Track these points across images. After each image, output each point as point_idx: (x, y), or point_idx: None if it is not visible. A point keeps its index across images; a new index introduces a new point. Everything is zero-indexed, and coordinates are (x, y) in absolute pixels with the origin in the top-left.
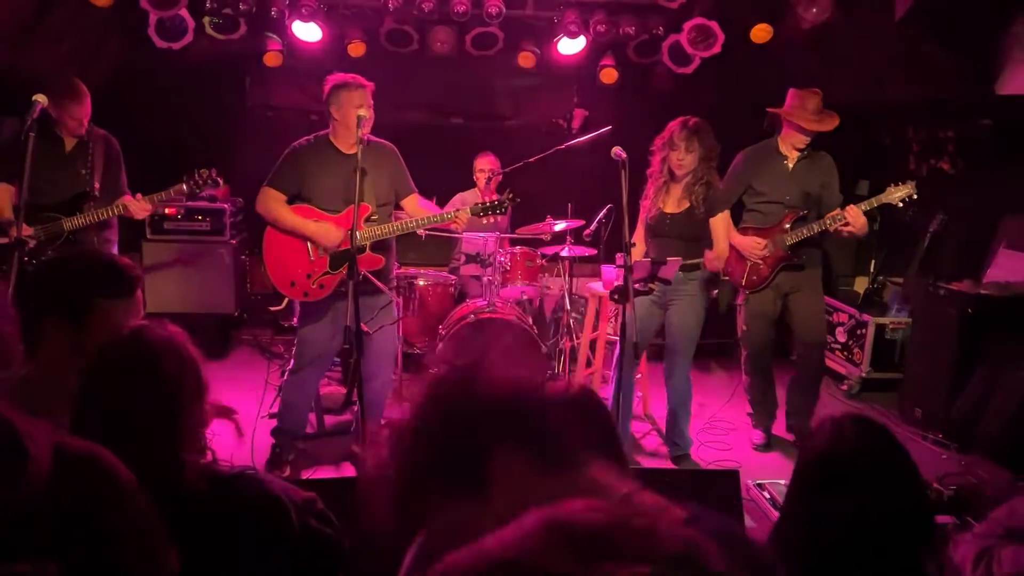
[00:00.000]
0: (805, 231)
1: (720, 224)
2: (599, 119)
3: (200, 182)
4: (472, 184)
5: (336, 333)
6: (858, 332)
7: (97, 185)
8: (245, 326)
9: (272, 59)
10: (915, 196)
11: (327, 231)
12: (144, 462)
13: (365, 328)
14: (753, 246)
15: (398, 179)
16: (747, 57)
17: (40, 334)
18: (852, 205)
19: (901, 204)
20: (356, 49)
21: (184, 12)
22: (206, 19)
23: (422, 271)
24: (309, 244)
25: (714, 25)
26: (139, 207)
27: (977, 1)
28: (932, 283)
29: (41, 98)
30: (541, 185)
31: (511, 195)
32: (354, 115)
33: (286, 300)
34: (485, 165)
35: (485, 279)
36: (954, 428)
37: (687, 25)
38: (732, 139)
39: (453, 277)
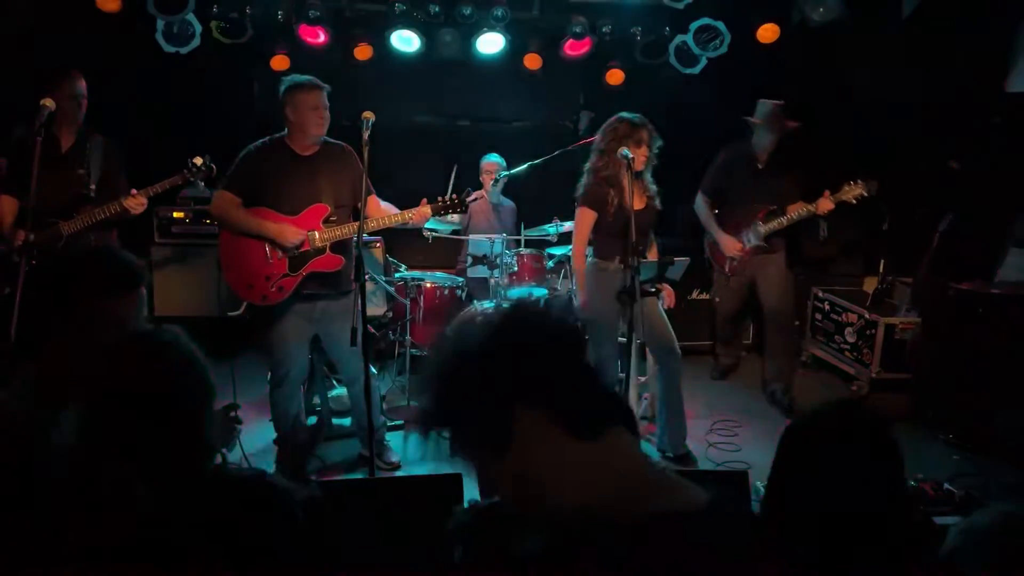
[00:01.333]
0: (776, 224)
1: (704, 210)
2: (606, 120)
3: (194, 170)
4: (479, 186)
5: (304, 336)
6: (868, 332)
7: (94, 186)
8: (252, 330)
9: (280, 63)
10: (866, 195)
11: (285, 231)
12: (154, 467)
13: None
14: (733, 246)
15: (359, 182)
16: (754, 57)
17: (50, 331)
18: (824, 197)
19: (855, 202)
20: (363, 52)
21: (191, 17)
22: (213, 23)
23: (429, 273)
24: (267, 246)
25: (721, 25)
26: (135, 202)
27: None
28: (942, 283)
29: (49, 103)
30: (548, 186)
31: (469, 192)
32: (309, 116)
33: (244, 304)
34: (491, 167)
35: (492, 281)
36: (999, 445)
37: (693, 26)
38: (737, 137)
39: (460, 279)
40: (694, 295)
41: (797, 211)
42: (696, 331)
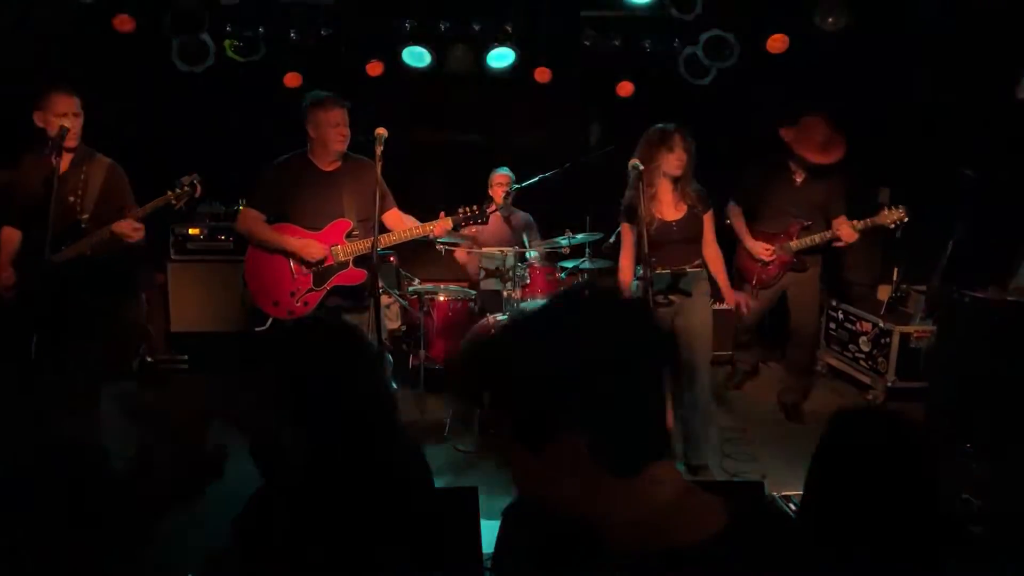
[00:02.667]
0: (808, 241)
1: (735, 218)
2: (616, 132)
3: (178, 192)
4: (489, 199)
5: None
6: (882, 341)
7: (86, 216)
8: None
9: (292, 80)
10: (906, 220)
11: (309, 245)
12: None
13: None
14: (762, 251)
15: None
16: (763, 67)
17: None
18: (846, 223)
19: (893, 226)
20: (375, 68)
21: (206, 36)
22: (227, 42)
23: (442, 286)
24: (291, 262)
25: (730, 37)
26: (126, 227)
27: (996, 7)
28: (957, 291)
29: (66, 121)
30: (559, 199)
31: (491, 204)
32: (331, 133)
33: (270, 320)
34: (502, 179)
35: (505, 293)
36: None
37: (703, 37)
38: (750, 149)
39: (473, 291)
40: (716, 305)
41: (823, 236)
42: (717, 341)
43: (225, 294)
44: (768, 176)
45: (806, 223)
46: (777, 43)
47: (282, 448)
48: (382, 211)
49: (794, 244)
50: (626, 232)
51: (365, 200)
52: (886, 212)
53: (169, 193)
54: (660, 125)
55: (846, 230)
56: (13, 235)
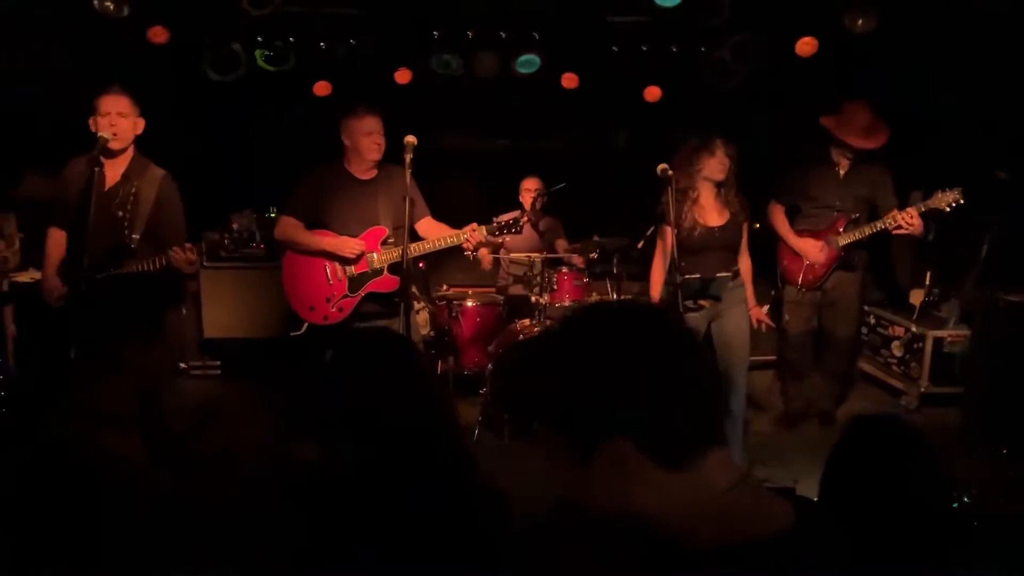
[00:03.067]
0: (857, 233)
1: (778, 219)
2: (644, 137)
3: (233, 236)
4: (518, 205)
5: None
6: (915, 346)
7: (137, 236)
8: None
9: (322, 88)
10: (962, 201)
11: (345, 243)
12: None
13: None
14: (810, 248)
15: (413, 203)
16: (792, 70)
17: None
18: (910, 207)
19: (948, 209)
20: (403, 76)
21: (237, 46)
22: (258, 52)
23: (471, 292)
24: (327, 267)
25: (758, 40)
26: (183, 259)
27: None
28: (991, 294)
29: (106, 133)
30: (587, 204)
31: (525, 214)
32: (363, 142)
33: (305, 325)
34: (531, 186)
35: (533, 299)
36: None
37: (731, 41)
38: (775, 152)
39: (501, 297)
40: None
41: (872, 226)
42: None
43: (257, 300)
44: (810, 169)
45: (853, 215)
46: (806, 46)
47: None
48: (415, 219)
49: (841, 238)
50: (667, 235)
51: (400, 207)
52: (940, 194)
53: (224, 234)
54: (700, 135)
55: (911, 214)
56: (60, 238)
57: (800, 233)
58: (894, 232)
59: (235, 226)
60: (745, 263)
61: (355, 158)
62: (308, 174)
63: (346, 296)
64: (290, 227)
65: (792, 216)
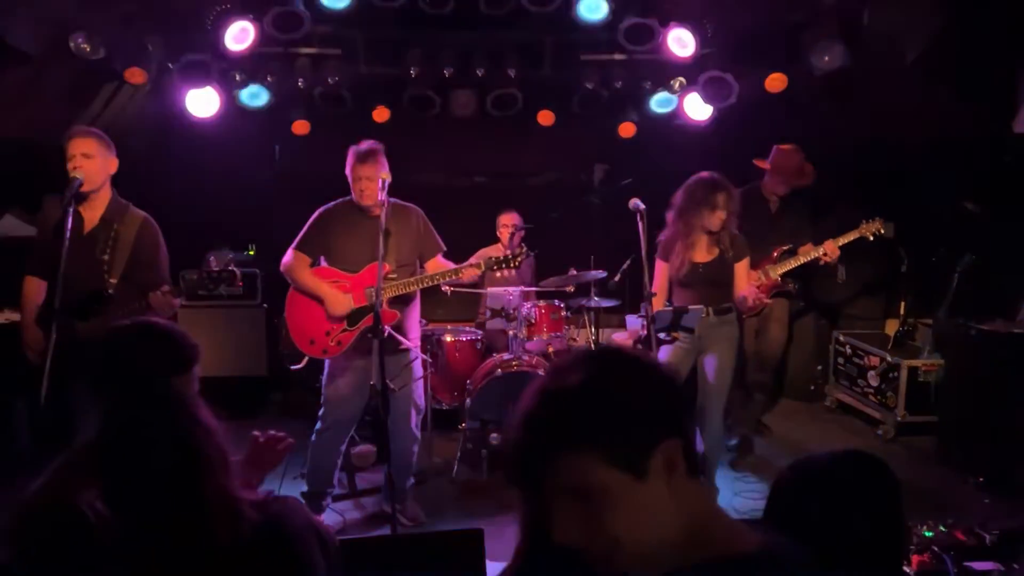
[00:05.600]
0: (792, 262)
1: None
2: (620, 173)
3: (207, 276)
4: (496, 240)
5: (360, 392)
6: (891, 375)
7: (114, 280)
8: (276, 388)
9: (300, 127)
10: (882, 231)
11: (336, 300)
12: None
13: (391, 386)
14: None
15: (422, 241)
16: (762, 106)
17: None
18: (829, 240)
19: (872, 238)
20: (381, 114)
21: (216, 86)
22: (236, 91)
23: (449, 327)
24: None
25: (728, 77)
26: (163, 302)
27: (988, 42)
28: (963, 324)
29: (79, 174)
30: (563, 238)
31: (524, 250)
32: (354, 188)
33: (306, 359)
34: (508, 221)
35: (511, 333)
36: None
37: (702, 78)
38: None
39: (480, 332)
40: None
41: (807, 253)
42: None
43: (236, 338)
44: (747, 206)
45: (785, 247)
46: (776, 82)
47: None
48: (426, 257)
49: (779, 267)
50: (659, 269)
51: (405, 244)
52: (865, 224)
53: (205, 279)
54: (705, 179)
55: (829, 245)
56: (38, 287)
57: None
58: (822, 260)
59: (213, 264)
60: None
61: (360, 196)
62: (320, 212)
63: (345, 330)
64: (297, 265)
65: None
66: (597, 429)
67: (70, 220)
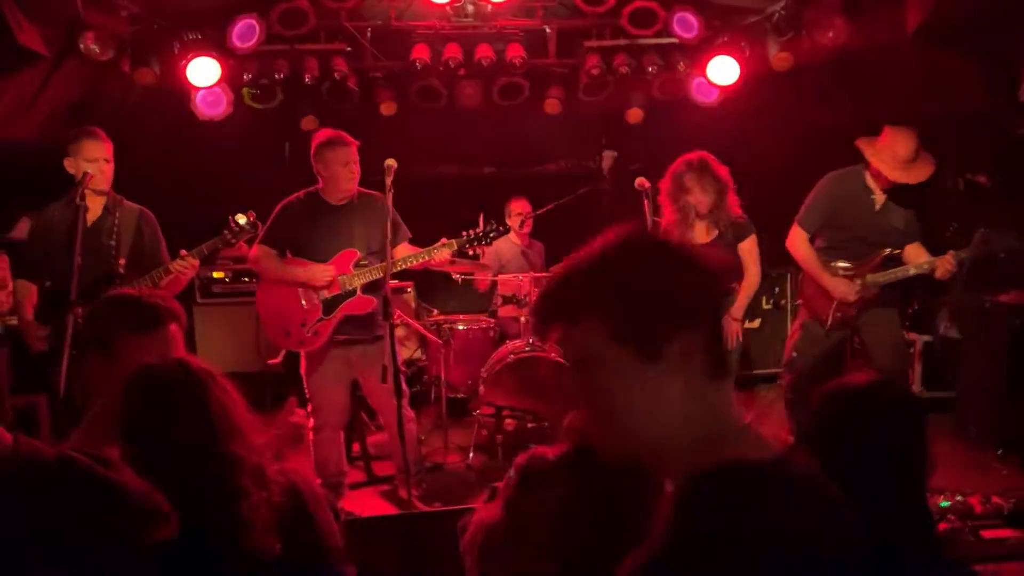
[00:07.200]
0: (900, 273)
1: (804, 248)
2: (628, 158)
3: (236, 230)
4: (507, 229)
5: (343, 380)
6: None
7: (123, 261)
8: (292, 383)
9: (309, 123)
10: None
11: (314, 271)
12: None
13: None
14: (846, 291)
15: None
16: (770, 85)
17: (87, 371)
18: (946, 257)
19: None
20: (388, 108)
21: (224, 85)
22: (245, 90)
23: (462, 317)
24: (300, 292)
25: (734, 56)
26: (184, 264)
27: (992, 9)
28: (979, 297)
29: (90, 169)
30: (573, 224)
31: (495, 225)
32: (340, 172)
33: (283, 352)
34: (518, 208)
35: (523, 319)
36: None
37: (707, 59)
38: (760, 166)
39: (492, 320)
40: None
41: (918, 266)
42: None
43: (249, 335)
44: (843, 196)
45: (890, 251)
46: (782, 60)
47: None
48: (395, 243)
49: (880, 278)
50: None
51: (376, 232)
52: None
53: (225, 232)
54: (680, 161)
55: (946, 262)
56: (28, 288)
57: (833, 271)
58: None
59: (233, 225)
60: (747, 278)
61: (330, 186)
62: (284, 205)
63: (321, 319)
64: (264, 257)
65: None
66: (600, 301)
67: (82, 213)
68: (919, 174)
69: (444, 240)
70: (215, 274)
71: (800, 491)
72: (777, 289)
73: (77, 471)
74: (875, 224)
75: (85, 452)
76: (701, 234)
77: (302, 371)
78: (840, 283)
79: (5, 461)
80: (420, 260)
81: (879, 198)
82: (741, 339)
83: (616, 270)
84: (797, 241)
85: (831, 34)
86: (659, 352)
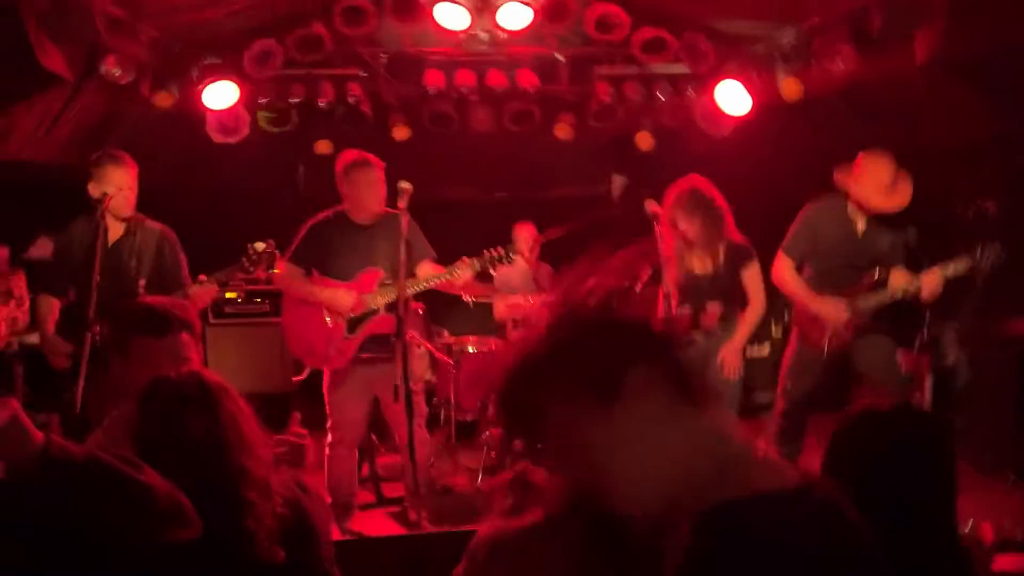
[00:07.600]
0: (885, 297)
1: (791, 277)
2: (638, 184)
3: (254, 257)
4: (511, 244)
5: (363, 399)
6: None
7: (143, 282)
8: (301, 403)
9: (323, 147)
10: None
11: (338, 297)
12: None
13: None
14: (837, 312)
15: (413, 247)
16: (779, 113)
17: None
18: (931, 273)
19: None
20: (401, 133)
21: (240, 108)
22: (260, 114)
23: (472, 339)
24: (325, 310)
25: (744, 84)
26: (203, 291)
27: (1000, 43)
28: (988, 323)
29: (111, 190)
30: (582, 249)
31: (507, 249)
32: (366, 192)
33: (308, 369)
34: (524, 233)
35: None
36: None
37: (716, 86)
38: (770, 193)
39: (501, 341)
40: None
41: (903, 287)
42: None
43: (262, 355)
44: (825, 224)
45: (878, 276)
46: (791, 89)
47: None
48: (418, 261)
49: (869, 302)
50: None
51: (399, 251)
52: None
53: (243, 260)
54: (672, 196)
55: (931, 279)
56: (51, 303)
57: (822, 296)
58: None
59: (251, 252)
60: (751, 308)
61: (356, 206)
62: (311, 223)
63: (345, 338)
64: (289, 275)
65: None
66: (552, 383)
67: (103, 232)
68: (901, 198)
69: (465, 260)
70: (228, 294)
71: (824, 520)
72: (787, 314)
73: (105, 471)
74: (859, 249)
75: (112, 452)
76: (700, 264)
77: (324, 388)
78: (829, 304)
79: (35, 460)
80: (443, 279)
81: (861, 223)
82: (742, 372)
83: (551, 353)
84: (782, 268)
85: (840, 63)
86: (617, 391)
